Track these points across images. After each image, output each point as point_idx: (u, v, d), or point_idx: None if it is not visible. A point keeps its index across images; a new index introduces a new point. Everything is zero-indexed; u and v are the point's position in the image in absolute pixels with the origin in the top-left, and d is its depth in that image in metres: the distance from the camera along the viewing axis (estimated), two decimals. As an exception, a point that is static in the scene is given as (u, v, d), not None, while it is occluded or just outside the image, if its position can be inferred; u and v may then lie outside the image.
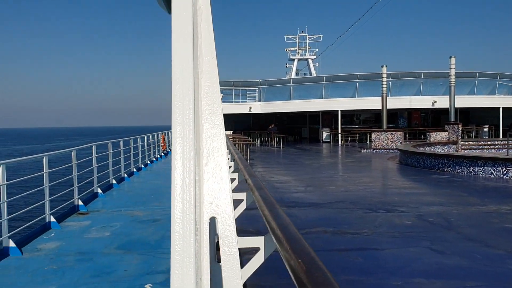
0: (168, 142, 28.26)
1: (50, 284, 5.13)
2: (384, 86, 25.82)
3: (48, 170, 7.90)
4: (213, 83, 1.40)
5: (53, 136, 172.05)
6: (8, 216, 6.35)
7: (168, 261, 5.86)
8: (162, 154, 24.90)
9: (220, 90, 1.49)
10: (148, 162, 19.95)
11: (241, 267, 1.55)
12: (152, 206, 9.89)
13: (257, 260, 1.96)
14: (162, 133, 25.03)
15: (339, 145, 29.32)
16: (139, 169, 17.30)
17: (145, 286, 5.01)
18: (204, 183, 1.36)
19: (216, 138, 1.39)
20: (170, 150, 17.13)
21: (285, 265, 1.22)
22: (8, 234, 6.34)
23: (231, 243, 1.41)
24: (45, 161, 7.86)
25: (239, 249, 1.60)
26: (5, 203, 6.31)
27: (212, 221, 1.40)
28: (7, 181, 6.34)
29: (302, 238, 1.33)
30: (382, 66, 25.93)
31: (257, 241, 2.06)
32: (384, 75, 25.76)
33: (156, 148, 22.98)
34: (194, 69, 1.26)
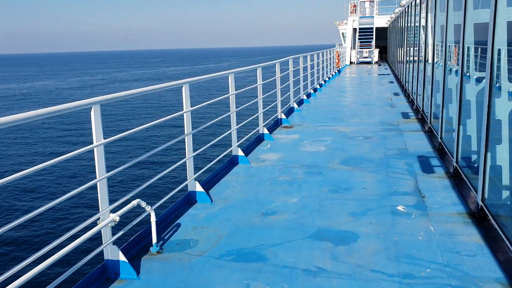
0: (341, 59, 27.22)
1: (291, 195, 4.99)
2: None
3: (261, 82, 7.79)
4: None
5: (208, 57, 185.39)
6: (237, 126, 6.39)
7: (409, 182, 5.27)
8: (336, 71, 24.11)
9: None
10: (326, 78, 19.41)
11: None
12: (353, 123, 9.36)
13: None
14: (337, 49, 24.04)
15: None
16: (320, 85, 16.90)
17: (398, 207, 4.51)
18: None
19: None
20: (343, 66, 16.49)
21: None
22: (237, 144, 6.43)
23: None
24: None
25: None
26: (234, 112, 6.33)
27: None
28: (235, 91, 6.30)
29: None
30: None
31: None
32: None
33: (330, 66, 22.21)
34: None
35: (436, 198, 4.73)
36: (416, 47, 11.62)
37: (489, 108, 3.91)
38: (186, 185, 4.84)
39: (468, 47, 5.12)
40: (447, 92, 6.53)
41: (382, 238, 3.83)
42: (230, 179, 5.71)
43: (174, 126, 23.52)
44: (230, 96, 6.25)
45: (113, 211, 3.35)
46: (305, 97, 12.92)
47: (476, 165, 5.12)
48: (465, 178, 4.95)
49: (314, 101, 13.25)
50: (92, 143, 3.19)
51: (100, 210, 3.25)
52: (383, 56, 35.72)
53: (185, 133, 4.73)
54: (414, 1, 11.34)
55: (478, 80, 5.27)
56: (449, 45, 6.42)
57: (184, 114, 4.68)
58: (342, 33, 36.61)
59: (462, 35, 5.09)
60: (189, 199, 4.86)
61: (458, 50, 6.49)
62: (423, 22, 9.69)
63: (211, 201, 4.87)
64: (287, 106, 10.76)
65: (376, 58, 32.22)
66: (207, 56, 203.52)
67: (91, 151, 3.20)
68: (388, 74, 22.22)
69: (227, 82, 6.28)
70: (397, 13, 18.15)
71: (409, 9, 13.27)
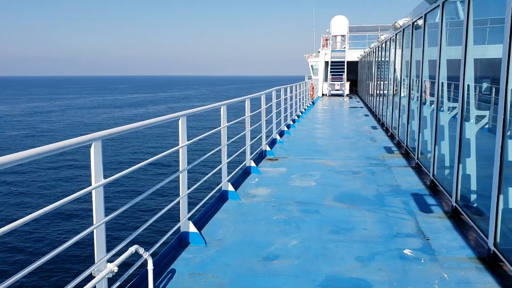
0: (315, 91, 27.50)
1: (291, 236, 4.71)
2: None
3: (249, 114, 7.57)
4: None
5: (175, 84, 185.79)
6: (228, 159, 6.11)
7: (409, 223, 5.09)
8: (311, 103, 24.30)
9: None
10: (303, 110, 19.47)
11: None
12: (338, 156, 9.23)
13: None
14: (311, 81, 24.29)
15: None
16: (297, 116, 16.89)
17: (404, 251, 4.30)
18: None
19: None
20: (316, 98, 16.63)
21: None
22: (228, 178, 6.13)
23: None
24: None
25: None
26: (225, 146, 6.06)
27: None
28: (227, 123, 6.05)
29: None
30: None
31: None
32: None
33: (306, 98, 22.32)
34: None
35: (441, 241, 4.55)
36: (397, 82, 11.76)
37: (502, 150, 3.80)
38: (178, 225, 4.48)
39: (468, 85, 5.08)
40: (440, 129, 6.49)
41: (396, 286, 3.58)
42: (221, 217, 5.38)
43: (163, 163, 22.20)
44: (222, 129, 5.99)
45: (109, 260, 2.98)
46: (285, 129, 12.80)
47: (475, 205, 5.00)
48: (468, 219, 4.81)
49: (294, 132, 13.13)
50: (89, 183, 2.84)
51: (96, 260, 2.87)
52: (353, 89, 36.43)
53: (180, 169, 4.41)
54: (395, 35, 11.53)
55: (478, 119, 5.22)
56: (442, 82, 6.42)
57: (180, 150, 4.37)
58: (312, 66, 37.14)
59: (462, 71, 5.05)
60: (182, 241, 4.50)
61: (443, 87, 6.49)
62: (407, 57, 9.79)
63: (205, 242, 4.52)
64: (270, 138, 10.56)
65: (347, 91, 32.80)
66: (175, 84, 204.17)
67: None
68: (362, 107, 22.52)
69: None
70: (372, 47, 18.53)
71: (389, 44, 13.51)
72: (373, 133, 12.92)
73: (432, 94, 7.58)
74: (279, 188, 6.69)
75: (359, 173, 7.67)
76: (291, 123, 14.51)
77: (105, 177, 2.92)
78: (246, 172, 7.59)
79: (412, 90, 9.11)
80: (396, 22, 9.71)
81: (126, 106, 68.94)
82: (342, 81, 32.77)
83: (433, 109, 7.06)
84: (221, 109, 5.95)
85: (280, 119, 12.41)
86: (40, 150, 2.35)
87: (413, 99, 9.15)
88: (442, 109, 6.52)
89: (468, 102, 5.19)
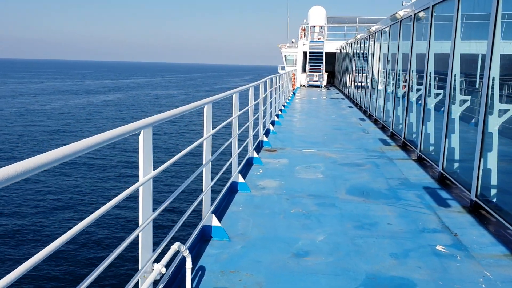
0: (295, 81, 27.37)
1: (315, 231, 4.51)
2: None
3: (253, 103, 7.30)
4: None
5: (142, 70, 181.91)
6: (238, 149, 5.84)
7: (431, 217, 4.97)
8: (292, 93, 24.17)
9: None
10: (287, 100, 19.30)
11: None
12: (336, 148, 9.10)
13: None
14: (293, 72, 24.13)
15: None
16: (283, 106, 16.71)
17: (437, 247, 4.17)
18: None
19: None
20: (295, 89, 16.49)
21: None
22: (238, 169, 5.87)
23: None
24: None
25: None
26: (236, 137, 5.78)
27: None
28: (238, 111, 5.77)
29: None
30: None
31: None
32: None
33: (289, 88, 22.14)
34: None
35: (470, 237, 4.45)
36: (390, 74, 11.70)
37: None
38: (199, 219, 4.21)
39: (494, 78, 4.99)
40: (451, 123, 6.41)
41: (441, 285, 3.44)
42: (236, 210, 5.13)
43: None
44: (233, 120, 5.70)
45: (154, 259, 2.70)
46: (276, 118, 12.59)
47: (501, 200, 4.93)
48: (494, 215, 4.73)
49: (284, 122, 12.93)
50: (136, 176, 2.54)
51: (141, 261, 2.58)
52: (330, 81, 36.53)
53: (204, 161, 4.12)
54: (389, 27, 11.43)
55: (502, 112, 5.14)
56: (455, 74, 6.33)
57: (204, 141, 4.08)
58: (285, 56, 36.89)
59: (488, 66, 4.94)
60: (204, 235, 4.23)
61: (455, 80, 6.40)
62: (404, 50, 9.71)
63: (229, 237, 4.27)
64: (265, 128, 10.32)
65: (325, 82, 32.82)
66: (140, 70, 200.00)
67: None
68: (343, 99, 22.54)
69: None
70: (358, 38, 18.47)
71: (380, 35, 13.43)
72: (363, 125, 12.87)
73: (439, 88, 7.51)
74: (287, 180, 6.48)
75: (363, 166, 7.55)
76: (279, 112, 14.32)
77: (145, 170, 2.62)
78: (249, 162, 7.35)
79: (412, 83, 9.04)
80: (396, 13, 9.60)
81: (84, 93, 66.18)
82: (320, 72, 32.75)
83: (441, 103, 6.99)
84: (233, 97, 5.67)
85: (272, 109, 12.18)
86: (87, 143, 1.98)
87: (412, 92, 9.09)
88: (454, 102, 6.44)
89: (492, 96, 5.10)
